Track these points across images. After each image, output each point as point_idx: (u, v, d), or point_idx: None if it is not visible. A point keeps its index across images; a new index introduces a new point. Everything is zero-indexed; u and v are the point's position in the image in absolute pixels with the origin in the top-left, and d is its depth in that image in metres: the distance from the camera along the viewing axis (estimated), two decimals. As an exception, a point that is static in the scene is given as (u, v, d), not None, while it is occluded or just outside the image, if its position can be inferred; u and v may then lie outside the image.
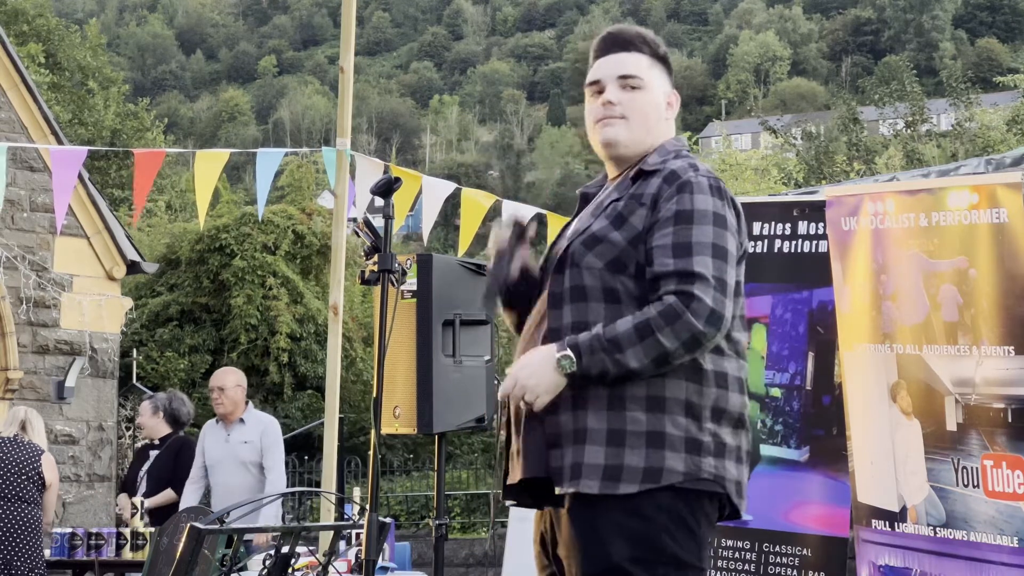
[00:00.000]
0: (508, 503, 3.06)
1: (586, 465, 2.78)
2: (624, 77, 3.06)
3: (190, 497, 7.61)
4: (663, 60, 3.14)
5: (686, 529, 2.77)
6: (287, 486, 7.78)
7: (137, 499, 7.69)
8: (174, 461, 8.08)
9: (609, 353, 2.73)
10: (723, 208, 2.87)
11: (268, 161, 7.08)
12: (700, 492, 2.79)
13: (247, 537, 6.50)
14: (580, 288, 2.89)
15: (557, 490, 2.84)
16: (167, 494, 7.93)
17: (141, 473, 8.15)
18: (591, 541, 2.79)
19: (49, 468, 7.29)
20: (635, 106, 3.05)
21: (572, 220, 3.15)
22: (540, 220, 7.55)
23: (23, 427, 7.32)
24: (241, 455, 7.40)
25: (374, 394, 3.44)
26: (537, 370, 2.78)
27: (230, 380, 7.61)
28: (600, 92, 3.08)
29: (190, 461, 8.14)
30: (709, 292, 2.76)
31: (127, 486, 8.31)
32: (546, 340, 2.90)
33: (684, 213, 2.84)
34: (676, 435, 2.77)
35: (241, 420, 7.48)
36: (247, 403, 7.63)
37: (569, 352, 2.75)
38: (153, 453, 8.21)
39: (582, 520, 2.81)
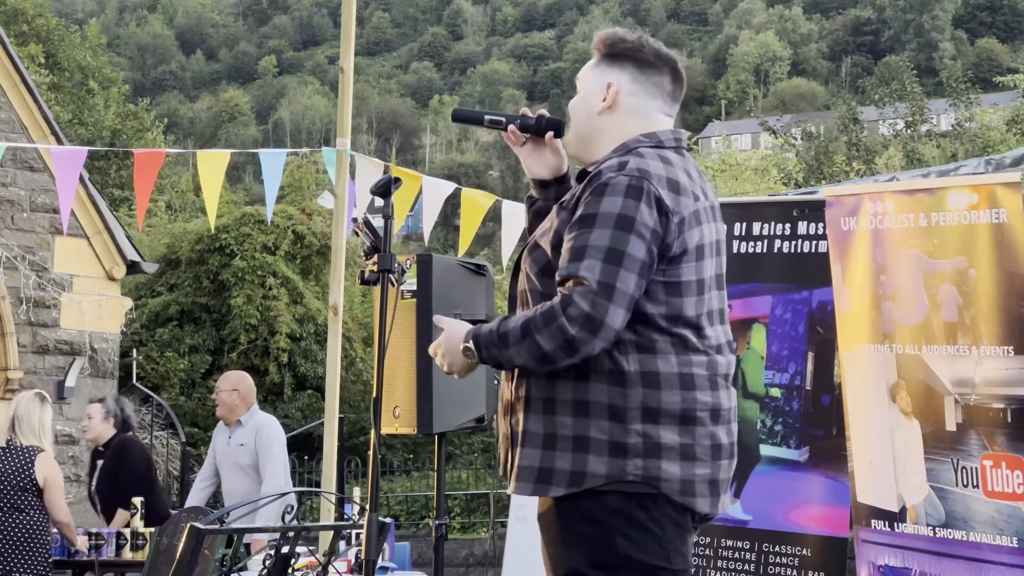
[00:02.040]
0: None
1: (523, 468, 2.85)
2: None
3: (197, 496, 7.56)
4: (614, 56, 3.04)
5: (644, 531, 2.76)
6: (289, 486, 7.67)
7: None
8: (117, 465, 7.79)
9: (499, 349, 2.83)
10: (635, 209, 2.76)
11: (273, 162, 7.08)
12: (650, 494, 2.75)
13: (246, 540, 6.52)
14: (524, 292, 2.98)
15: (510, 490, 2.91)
16: (121, 518, 7.61)
17: (93, 488, 7.96)
18: (553, 546, 2.83)
19: (43, 468, 6.96)
20: (571, 113, 3.10)
21: None
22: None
23: (12, 428, 7.00)
24: (237, 458, 7.36)
25: (374, 394, 3.44)
26: (451, 351, 2.97)
27: (225, 383, 7.55)
28: None
29: (135, 463, 7.86)
30: (588, 297, 2.71)
31: (92, 502, 8.02)
32: None
33: (588, 217, 2.79)
34: (600, 439, 2.77)
35: (239, 423, 7.45)
36: (251, 406, 7.48)
37: (471, 344, 2.89)
38: (100, 463, 7.92)
39: (545, 524, 2.86)
